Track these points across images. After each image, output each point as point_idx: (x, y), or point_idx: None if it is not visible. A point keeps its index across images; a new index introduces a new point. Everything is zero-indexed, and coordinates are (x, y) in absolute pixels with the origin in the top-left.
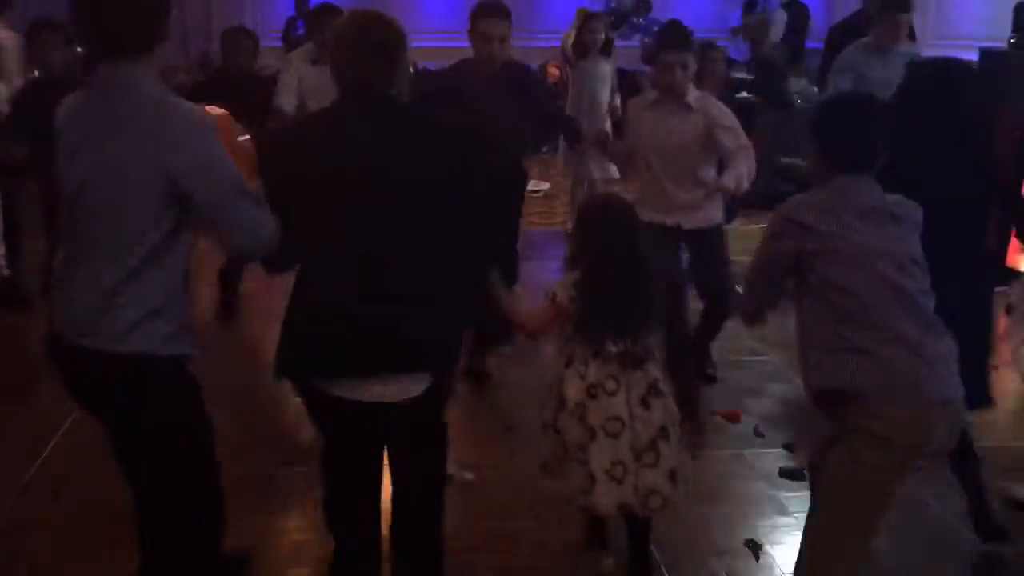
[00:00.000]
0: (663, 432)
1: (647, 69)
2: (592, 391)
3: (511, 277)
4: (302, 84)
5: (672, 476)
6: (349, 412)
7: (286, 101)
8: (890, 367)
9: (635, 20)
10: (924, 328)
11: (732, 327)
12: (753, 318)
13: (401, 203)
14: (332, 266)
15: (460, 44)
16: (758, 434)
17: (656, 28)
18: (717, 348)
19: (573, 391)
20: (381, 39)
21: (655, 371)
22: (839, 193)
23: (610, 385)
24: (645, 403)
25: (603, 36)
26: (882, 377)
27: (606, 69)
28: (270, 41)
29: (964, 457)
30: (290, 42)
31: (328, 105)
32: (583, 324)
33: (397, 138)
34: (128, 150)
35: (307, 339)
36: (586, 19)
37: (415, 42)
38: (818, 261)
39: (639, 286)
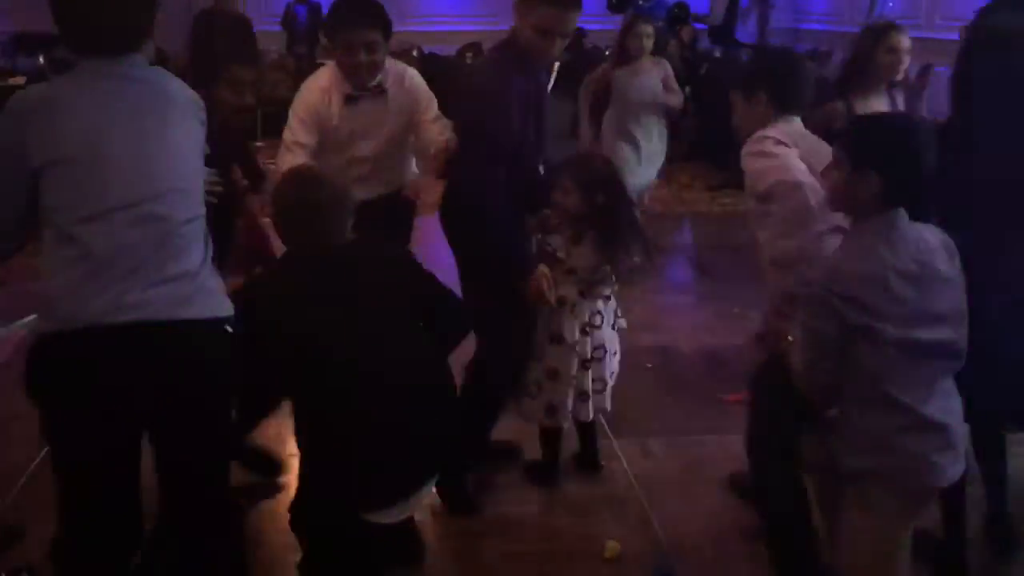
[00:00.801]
0: (615, 351)
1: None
2: (585, 329)
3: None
4: (333, 132)
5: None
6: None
7: (296, 157)
8: (909, 452)
9: (640, 2)
10: (945, 400)
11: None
12: (823, 404)
13: (385, 324)
14: (356, 401)
15: (466, 28)
16: None
17: (662, 11)
18: (722, 329)
19: (570, 331)
20: (333, 195)
21: (613, 297)
22: (887, 244)
23: (597, 320)
24: (612, 327)
25: (652, 42)
26: (902, 461)
27: (655, 81)
28: (266, 25)
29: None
30: (292, 31)
31: (294, 259)
32: (587, 272)
33: (365, 276)
34: (188, 124)
35: (360, 474)
36: (633, 21)
37: (421, 26)
38: (853, 338)
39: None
